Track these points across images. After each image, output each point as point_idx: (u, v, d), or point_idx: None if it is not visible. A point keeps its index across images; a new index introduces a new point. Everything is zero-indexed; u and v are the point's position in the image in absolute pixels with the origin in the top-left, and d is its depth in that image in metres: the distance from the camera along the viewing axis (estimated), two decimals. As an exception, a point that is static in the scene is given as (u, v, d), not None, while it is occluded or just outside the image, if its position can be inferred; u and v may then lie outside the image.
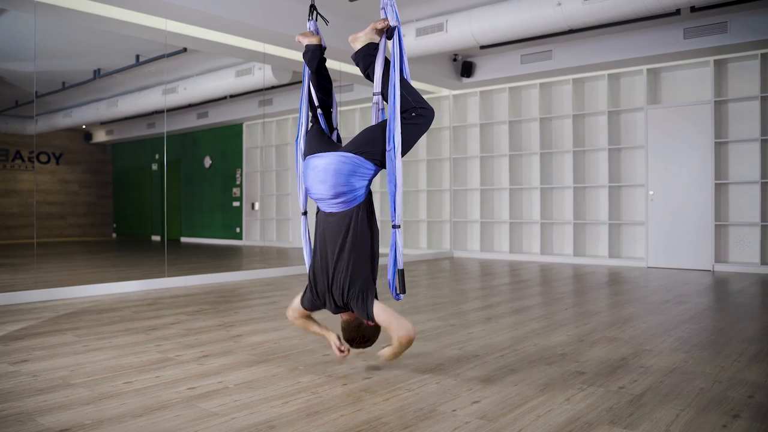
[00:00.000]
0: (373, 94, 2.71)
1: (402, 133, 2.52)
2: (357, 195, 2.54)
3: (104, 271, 7.44)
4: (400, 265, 2.56)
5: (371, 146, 2.52)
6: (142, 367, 3.11)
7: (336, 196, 2.53)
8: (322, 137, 2.74)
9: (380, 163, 2.57)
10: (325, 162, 2.53)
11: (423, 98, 2.63)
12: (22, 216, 10.60)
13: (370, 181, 2.60)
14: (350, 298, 2.64)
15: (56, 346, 3.60)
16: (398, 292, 2.59)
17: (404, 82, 2.59)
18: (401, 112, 2.52)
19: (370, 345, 2.85)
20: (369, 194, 2.64)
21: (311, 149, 2.68)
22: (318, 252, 2.71)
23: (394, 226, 2.56)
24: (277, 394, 2.66)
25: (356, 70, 7.81)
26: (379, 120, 2.74)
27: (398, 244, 2.54)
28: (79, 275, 6.96)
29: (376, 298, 2.65)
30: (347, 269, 2.60)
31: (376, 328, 2.76)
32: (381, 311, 2.60)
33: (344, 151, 2.55)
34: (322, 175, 2.53)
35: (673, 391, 2.68)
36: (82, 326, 4.19)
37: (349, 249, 2.58)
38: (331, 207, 2.57)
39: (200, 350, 3.48)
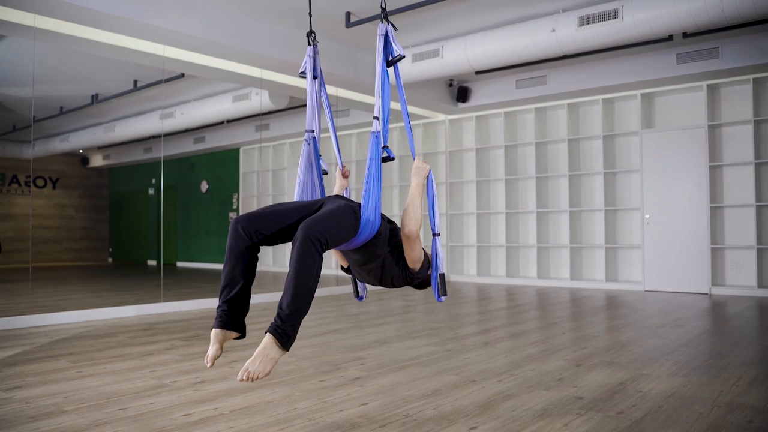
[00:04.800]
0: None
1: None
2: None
3: (99, 296, 7.40)
4: (441, 270, 2.62)
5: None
6: (137, 393, 3.08)
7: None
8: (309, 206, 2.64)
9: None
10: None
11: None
12: (18, 240, 10.56)
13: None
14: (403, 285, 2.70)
15: (50, 372, 3.57)
16: (440, 294, 2.64)
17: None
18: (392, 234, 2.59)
19: (425, 271, 2.72)
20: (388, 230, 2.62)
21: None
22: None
23: (434, 235, 2.63)
24: (273, 421, 2.63)
25: (353, 95, 7.84)
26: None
27: (439, 252, 2.61)
28: (75, 300, 6.91)
29: (410, 270, 2.60)
30: (388, 283, 2.66)
31: (425, 263, 2.68)
32: (419, 265, 2.60)
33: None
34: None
35: (672, 416, 2.66)
36: (76, 352, 4.15)
37: (382, 274, 2.64)
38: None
39: (196, 376, 3.45)
